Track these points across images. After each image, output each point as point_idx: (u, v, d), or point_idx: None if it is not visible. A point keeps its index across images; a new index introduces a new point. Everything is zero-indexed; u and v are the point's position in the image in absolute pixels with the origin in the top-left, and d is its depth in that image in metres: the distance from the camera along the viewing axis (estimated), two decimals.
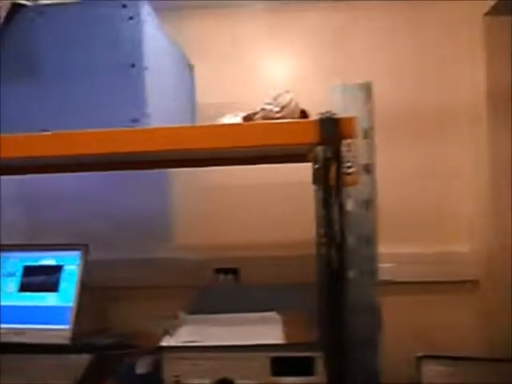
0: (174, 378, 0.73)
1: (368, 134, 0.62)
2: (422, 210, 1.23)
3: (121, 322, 1.27)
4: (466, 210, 1.21)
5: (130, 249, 1.30)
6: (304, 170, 1.17)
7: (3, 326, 1.04)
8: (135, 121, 0.73)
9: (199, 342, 0.73)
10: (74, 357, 0.95)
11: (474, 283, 1.19)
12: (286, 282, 1.14)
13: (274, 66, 1.29)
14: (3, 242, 1.16)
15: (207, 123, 0.69)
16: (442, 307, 1.21)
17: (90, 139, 0.70)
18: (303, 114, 0.71)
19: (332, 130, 0.60)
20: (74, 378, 0.88)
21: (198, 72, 1.13)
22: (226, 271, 1.27)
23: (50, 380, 0.88)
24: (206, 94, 1.15)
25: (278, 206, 1.27)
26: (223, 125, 0.67)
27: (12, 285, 1.08)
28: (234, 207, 1.28)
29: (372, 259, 0.62)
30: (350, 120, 0.61)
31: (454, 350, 1.15)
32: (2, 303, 1.07)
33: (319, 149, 0.61)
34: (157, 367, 0.94)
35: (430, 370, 1.13)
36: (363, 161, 0.62)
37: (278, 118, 0.67)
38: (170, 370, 0.73)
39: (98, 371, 0.94)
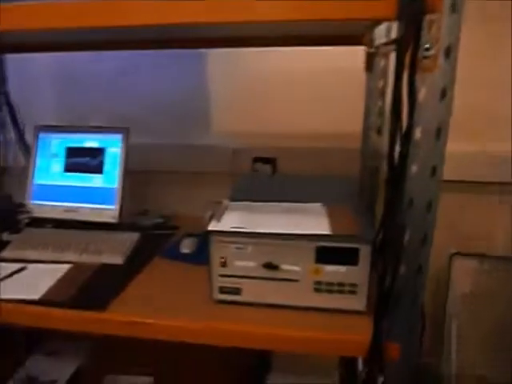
0: (220, 260, 0.75)
1: (457, 7, 0.52)
2: (475, 106, 1.12)
3: (160, 205, 1.32)
4: None
5: (169, 134, 1.29)
6: (354, 55, 1.07)
7: (53, 203, 1.09)
8: None
9: (246, 228, 0.73)
10: (122, 234, 1.01)
11: None
12: (325, 175, 1.12)
13: None
14: (44, 123, 1.16)
15: None
16: (483, 208, 1.19)
17: (133, 8, 0.62)
18: None
19: (414, 2, 0.50)
20: (125, 252, 0.95)
21: None
22: (264, 160, 1.25)
23: (105, 253, 0.94)
24: None
25: (323, 94, 1.19)
26: None
27: (57, 165, 1.10)
28: (275, 94, 1.21)
29: (439, 155, 0.57)
30: None
31: (488, 250, 1.16)
32: (49, 182, 1.11)
33: (394, 26, 0.52)
34: (200, 248, 0.99)
35: (461, 265, 1.16)
36: (444, 42, 0.53)
37: None
38: (216, 253, 0.75)
39: (146, 248, 1.00)
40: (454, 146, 0.97)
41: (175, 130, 1.29)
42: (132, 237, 1.00)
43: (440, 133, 0.56)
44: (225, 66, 1.21)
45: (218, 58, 1.21)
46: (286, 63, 1.18)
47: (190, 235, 1.04)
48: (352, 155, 1.16)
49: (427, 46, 0.53)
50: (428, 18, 0.52)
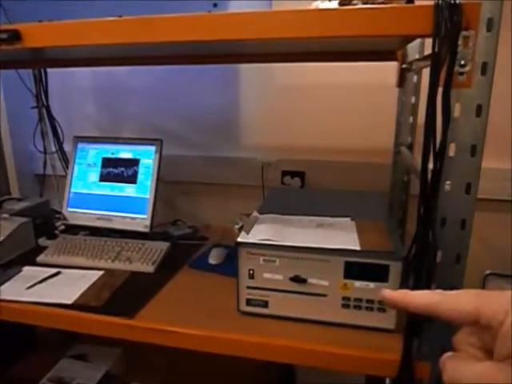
0: (248, 271, 0.76)
1: (493, 25, 0.51)
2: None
3: (191, 216, 1.34)
4: None
5: (201, 146, 1.32)
6: (385, 71, 1.07)
7: (87, 211, 1.13)
8: (215, 5, 0.67)
9: (275, 240, 0.74)
10: (152, 243, 1.03)
11: None
12: (354, 189, 1.12)
13: None
14: (82, 134, 1.21)
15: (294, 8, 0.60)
16: None
17: (167, 25, 0.65)
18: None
19: (450, 18, 0.50)
20: (155, 261, 0.97)
21: None
22: (293, 174, 1.26)
23: (136, 261, 0.96)
24: None
25: (353, 108, 1.18)
26: (315, 10, 0.59)
27: (93, 175, 1.15)
28: (305, 108, 1.22)
29: (474, 172, 0.56)
30: (473, 6, 0.51)
31: None
32: (85, 191, 1.15)
33: (430, 42, 0.52)
34: (228, 259, 1.00)
35: (496, 287, 1.12)
36: (480, 59, 0.53)
37: (381, 3, 0.57)
38: (244, 264, 0.76)
39: (176, 258, 1.02)
40: (490, 163, 0.94)
41: (207, 143, 1.31)
42: (162, 246, 1.02)
43: (475, 149, 0.56)
44: (256, 80, 1.24)
45: (249, 73, 1.24)
46: (317, 78, 1.19)
47: (218, 246, 1.05)
48: (381, 170, 1.15)
49: (462, 62, 0.53)
50: (463, 34, 0.52)
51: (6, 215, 1.09)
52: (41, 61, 1.16)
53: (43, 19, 0.76)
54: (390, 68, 1.03)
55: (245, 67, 1.23)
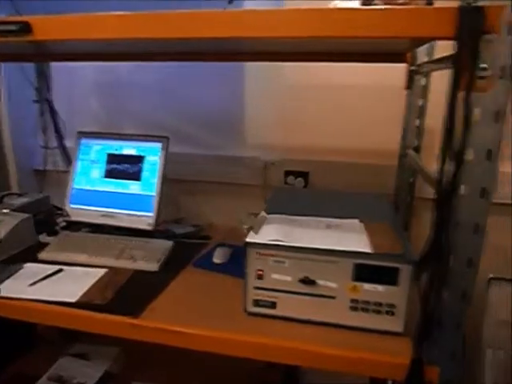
0: (256, 272, 0.75)
1: None
2: None
3: (193, 214, 1.33)
4: None
5: (204, 144, 1.31)
6: (394, 72, 1.07)
7: (91, 207, 1.12)
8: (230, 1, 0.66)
9: (284, 241, 0.73)
10: (156, 242, 1.02)
11: None
12: (358, 190, 1.11)
13: None
14: (84, 130, 1.20)
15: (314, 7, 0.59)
16: None
17: (181, 21, 0.64)
18: (429, 1, 0.60)
19: (474, 21, 0.50)
20: (159, 260, 0.96)
21: None
22: (296, 174, 1.25)
23: (140, 259, 0.95)
24: None
25: (359, 110, 1.18)
26: (336, 9, 0.58)
27: (97, 171, 1.13)
28: (309, 108, 1.22)
29: (490, 176, 0.56)
30: (496, 10, 0.50)
31: None
32: (89, 187, 1.13)
33: (455, 44, 0.52)
34: (232, 259, 0.99)
35: (499, 291, 1.12)
36: (501, 63, 0.52)
37: (401, 4, 0.57)
38: (253, 265, 0.75)
39: (180, 256, 1.01)
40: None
41: (210, 141, 1.30)
42: (166, 244, 1.01)
43: (491, 154, 0.55)
44: (261, 79, 1.23)
45: (254, 72, 1.23)
46: (323, 78, 1.18)
47: (222, 245, 1.05)
48: (385, 171, 1.15)
49: (484, 65, 0.52)
50: (485, 37, 0.52)
51: (6, 210, 1.07)
52: (45, 54, 1.15)
53: (52, 12, 0.74)
54: (398, 70, 1.03)
55: (250, 65, 1.22)
